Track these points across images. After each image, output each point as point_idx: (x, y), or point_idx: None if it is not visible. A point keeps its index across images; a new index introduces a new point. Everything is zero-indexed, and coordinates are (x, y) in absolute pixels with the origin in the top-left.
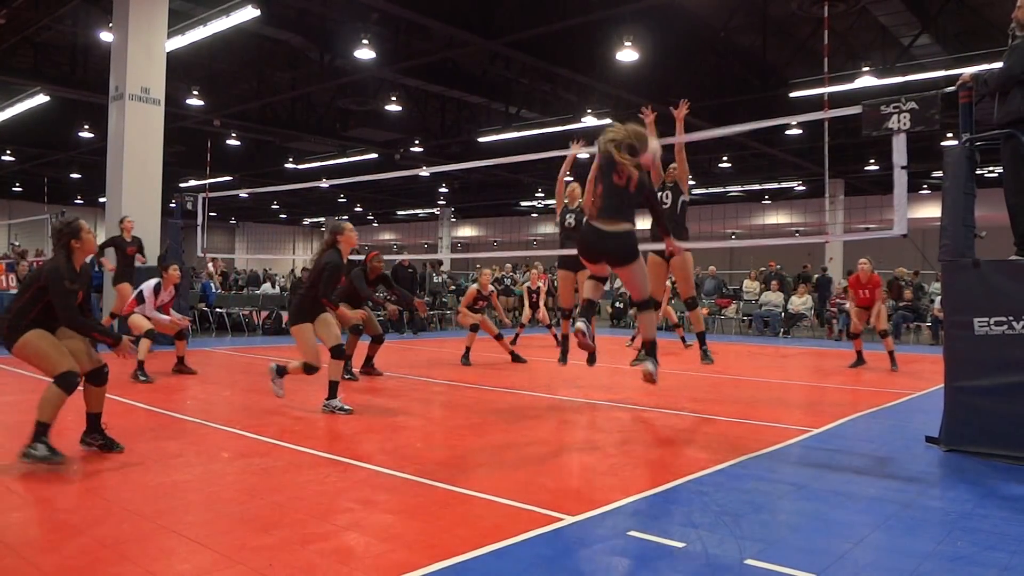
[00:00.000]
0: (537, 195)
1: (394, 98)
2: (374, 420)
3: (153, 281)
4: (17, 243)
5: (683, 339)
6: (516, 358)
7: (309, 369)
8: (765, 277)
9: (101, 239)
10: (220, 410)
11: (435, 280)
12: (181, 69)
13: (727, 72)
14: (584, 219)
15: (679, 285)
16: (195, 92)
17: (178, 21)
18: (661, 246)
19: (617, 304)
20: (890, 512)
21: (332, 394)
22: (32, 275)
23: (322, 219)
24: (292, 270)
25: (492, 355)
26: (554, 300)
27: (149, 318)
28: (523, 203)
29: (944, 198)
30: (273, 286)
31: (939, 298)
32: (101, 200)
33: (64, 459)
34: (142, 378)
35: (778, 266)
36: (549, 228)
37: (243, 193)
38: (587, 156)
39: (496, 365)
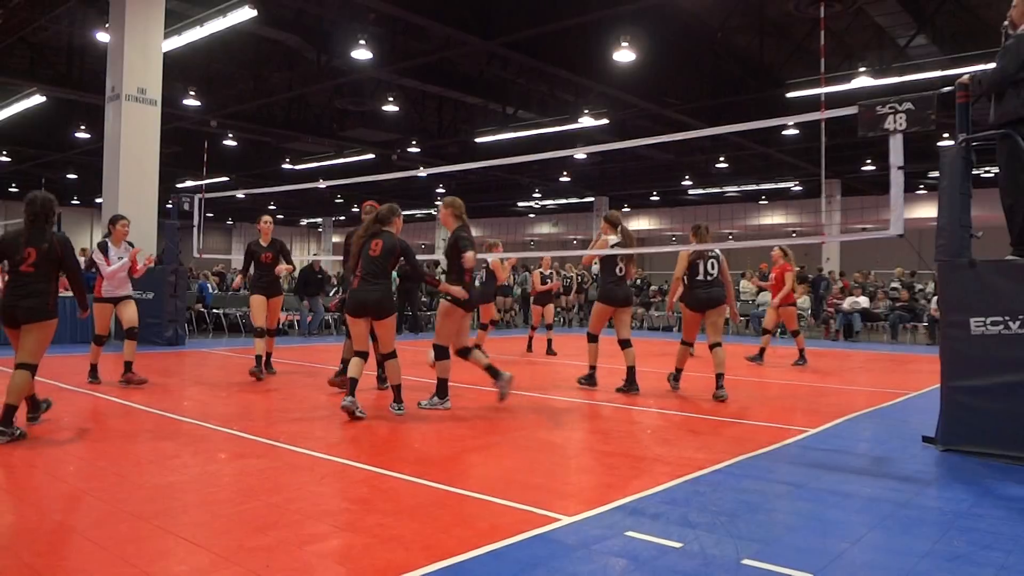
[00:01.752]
0: (534, 195)
1: (391, 98)
2: (372, 421)
3: (101, 242)
4: None
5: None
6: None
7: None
8: (760, 278)
9: (97, 239)
10: (217, 411)
11: None
12: (178, 69)
13: (724, 72)
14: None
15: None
16: (192, 92)
17: (175, 21)
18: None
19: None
20: (887, 512)
21: (398, 396)
22: (52, 253)
23: (319, 220)
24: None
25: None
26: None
27: (112, 278)
28: (520, 203)
29: (940, 198)
30: None
31: (935, 298)
32: (97, 201)
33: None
34: (90, 380)
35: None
36: (546, 228)
37: (240, 194)
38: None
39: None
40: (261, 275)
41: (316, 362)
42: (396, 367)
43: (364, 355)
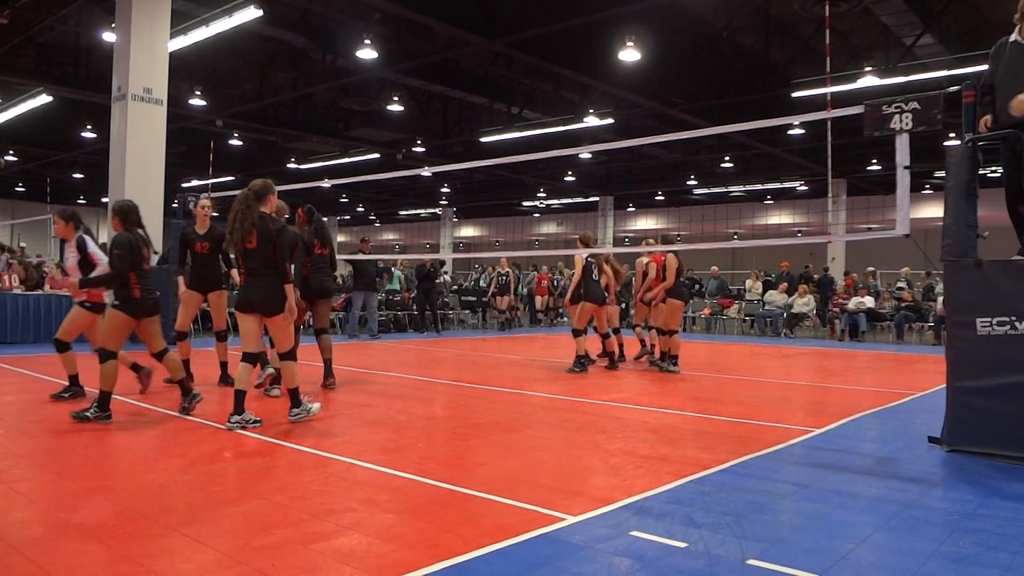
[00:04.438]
0: (539, 195)
1: (396, 98)
2: (376, 420)
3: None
4: (24, 244)
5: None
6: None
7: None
8: (777, 278)
9: (103, 239)
10: (221, 410)
11: (437, 280)
12: (183, 69)
13: (729, 72)
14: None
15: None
16: (197, 92)
17: (180, 21)
18: None
19: (621, 305)
20: (892, 512)
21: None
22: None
23: (324, 219)
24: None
25: (492, 355)
26: (554, 300)
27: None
28: (525, 203)
29: (947, 198)
30: None
31: (941, 297)
32: (104, 200)
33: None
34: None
35: (790, 267)
36: (551, 228)
37: None
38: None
39: (499, 365)
40: (195, 268)
41: (320, 360)
42: (292, 369)
43: (252, 358)
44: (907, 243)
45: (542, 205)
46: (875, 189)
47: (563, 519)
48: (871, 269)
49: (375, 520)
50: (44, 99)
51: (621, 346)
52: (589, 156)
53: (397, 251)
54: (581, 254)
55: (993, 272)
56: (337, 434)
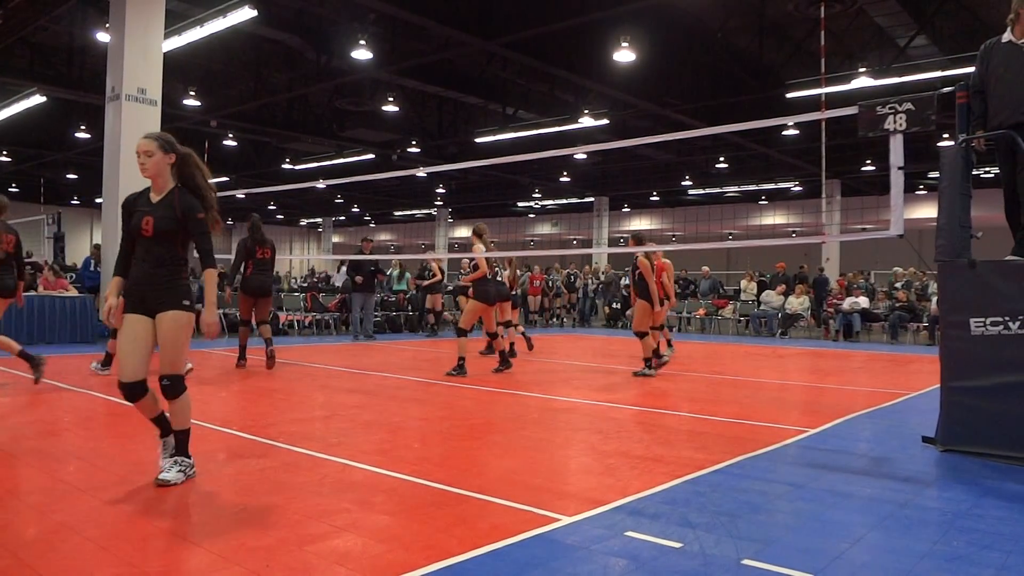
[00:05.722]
0: (534, 196)
1: (391, 99)
2: (372, 421)
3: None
4: None
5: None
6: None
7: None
8: (772, 279)
9: (97, 239)
10: (216, 410)
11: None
12: (178, 70)
13: (724, 72)
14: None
15: None
16: (192, 93)
17: (175, 22)
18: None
19: (614, 305)
20: (887, 512)
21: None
22: None
23: (319, 220)
24: (289, 271)
25: (488, 355)
26: (549, 300)
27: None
28: (520, 203)
29: (940, 198)
30: None
31: (935, 297)
32: (98, 201)
33: None
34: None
35: (786, 268)
36: (546, 228)
37: (240, 194)
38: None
39: (493, 366)
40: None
41: (316, 361)
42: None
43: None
44: (901, 244)
45: (537, 206)
46: (869, 190)
47: (558, 520)
48: (896, 269)
49: (370, 521)
50: (37, 99)
51: (512, 344)
52: (584, 157)
53: (393, 251)
54: (482, 255)
55: (987, 272)
56: (332, 435)
